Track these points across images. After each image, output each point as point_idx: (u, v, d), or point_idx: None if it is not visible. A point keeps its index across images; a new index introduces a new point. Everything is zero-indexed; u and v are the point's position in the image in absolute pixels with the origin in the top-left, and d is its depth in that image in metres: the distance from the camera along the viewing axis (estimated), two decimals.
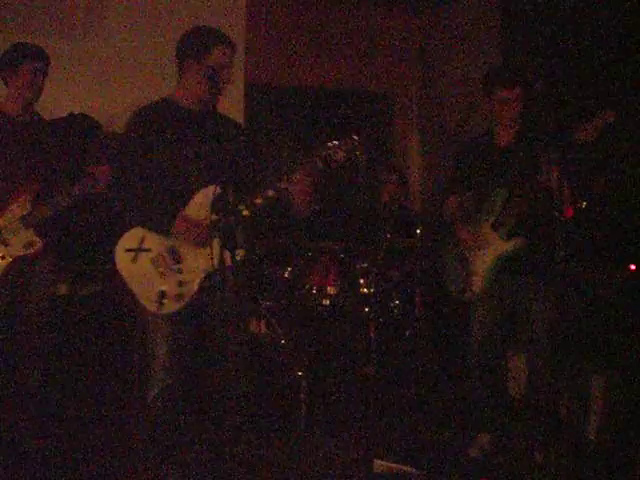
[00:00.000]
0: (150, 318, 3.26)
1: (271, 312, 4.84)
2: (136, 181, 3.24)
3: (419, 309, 5.32)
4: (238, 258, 3.05)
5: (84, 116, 5.17)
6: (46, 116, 4.15)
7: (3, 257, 3.75)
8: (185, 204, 3.23)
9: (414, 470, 3.61)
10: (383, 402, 4.71)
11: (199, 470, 3.43)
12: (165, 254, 3.22)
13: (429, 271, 5.33)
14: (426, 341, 5.25)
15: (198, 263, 3.21)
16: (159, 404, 3.27)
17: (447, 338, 5.26)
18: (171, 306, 3.19)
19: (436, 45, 6.66)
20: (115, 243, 3.27)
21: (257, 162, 3.47)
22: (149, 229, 3.23)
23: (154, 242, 3.22)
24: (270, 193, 3.20)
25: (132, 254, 3.21)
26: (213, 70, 3.17)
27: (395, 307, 5.33)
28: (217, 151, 3.28)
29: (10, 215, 3.77)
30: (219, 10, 5.82)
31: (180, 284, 3.20)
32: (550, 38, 5.15)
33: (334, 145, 3.12)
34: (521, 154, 3.81)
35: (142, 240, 3.22)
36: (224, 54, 3.26)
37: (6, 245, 3.77)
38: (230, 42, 3.30)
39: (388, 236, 5.31)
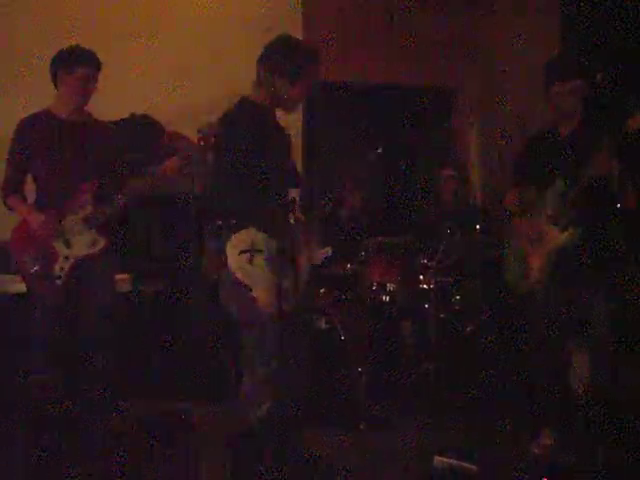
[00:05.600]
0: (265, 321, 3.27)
1: (331, 308, 4.85)
2: (246, 184, 3.30)
3: (481, 304, 5.28)
4: (328, 255, 3.35)
5: (145, 116, 5.29)
6: (108, 116, 4.22)
7: (67, 257, 3.83)
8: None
9: (474, 467, 3.59)
10: (443, 398, 4.68)
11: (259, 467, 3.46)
12: (275, 255, 3.27)
13: (491, 266, 5.27)
14: (488, 337, 5.19)
15: (305, 259, 3.31)
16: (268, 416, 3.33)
17: (510, 334, 5.19)
18: (290, 303, 3.22)
19: (494, 39, 6.58)
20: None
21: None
22: (257, 230, 3.29)
23: (264, 243, 3.28)
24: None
25: (247, 255, 3.26)
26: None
27: (456, 303, 5.29)
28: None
29: (72, 217, 3.84)
30: (277, 8, 5.87)
31: (294, 279, 3.25)
32: (610, 28, 5.04)
33: None
34: (579, 144, 3.75)
35: (252, 242, 3.27)
36: None
37: (69, 247, 3.84)
38: None
39: (448, 232, 5.27)
